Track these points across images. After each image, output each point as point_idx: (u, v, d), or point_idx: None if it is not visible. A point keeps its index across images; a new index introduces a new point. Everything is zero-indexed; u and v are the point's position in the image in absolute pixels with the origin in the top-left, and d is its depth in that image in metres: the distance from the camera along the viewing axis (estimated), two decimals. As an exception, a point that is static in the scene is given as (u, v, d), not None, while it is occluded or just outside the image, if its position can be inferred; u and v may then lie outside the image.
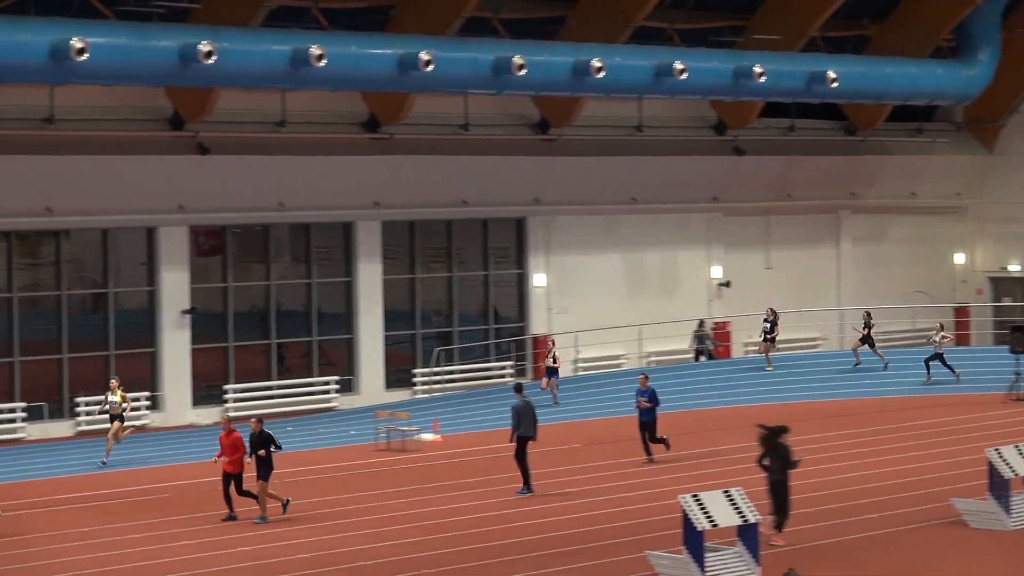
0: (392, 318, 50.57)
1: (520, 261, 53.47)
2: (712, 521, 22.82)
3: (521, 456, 33.53)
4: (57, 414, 43.27)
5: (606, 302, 54.20)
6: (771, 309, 53.20)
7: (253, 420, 31.61)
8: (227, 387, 46.33)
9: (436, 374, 50.10)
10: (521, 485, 33.58)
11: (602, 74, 44.02)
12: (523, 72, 41.97)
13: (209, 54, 37.71)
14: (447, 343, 50.80)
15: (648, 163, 52.47)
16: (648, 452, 37.26)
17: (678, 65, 44.22)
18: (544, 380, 47.42)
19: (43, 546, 29.77)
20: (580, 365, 52.34)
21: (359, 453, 41.00)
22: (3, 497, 34.78)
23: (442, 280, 52.50)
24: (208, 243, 47.64)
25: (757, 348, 53.49)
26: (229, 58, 38.83)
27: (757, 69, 45.78)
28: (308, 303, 49.12)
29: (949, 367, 49.60)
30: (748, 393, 49.92)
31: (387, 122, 48.54)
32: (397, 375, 49.74)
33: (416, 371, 50.68)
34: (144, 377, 45.57)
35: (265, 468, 30.85)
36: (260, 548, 29.31)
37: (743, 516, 23.24)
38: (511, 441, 33.87)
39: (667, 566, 23.08)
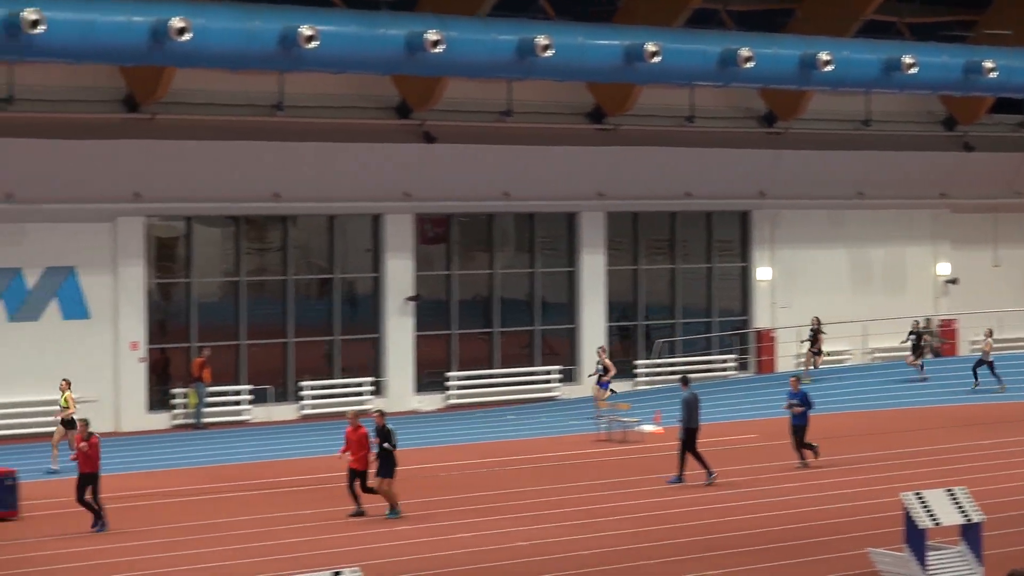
0: (614, 309, 50.65)
1: (744, 254, 53.58)
2: (935, 520, 22.02)
3: (692, 447, 33.54)
4: (282, 397, 44.50)
5: (830, 297, 53.82)
6: (816, 318, 50.92)
7: (376, 413, 31.69)
8: (449, 374, 47.25)
9: (658, 365, 50.00)
10: (676, 474, 33.44)
11: (830, 68, 42.39)
12: (750, 65, 40.69)
13: (436, 43, 37.34)
14: (670, 335, 50.23)
15: (875, 158, 52.38)
16: (801, 456, 36.36)
17: (907, 59, 42.93)
18: (596, 390, 44.22)
19: (265, 527, 30.34)
20: (801, 360, 50.94)
21: (579, 443, 40.83)
22: (228, 478, 36.21)
23: (665, 272, 52.46)
24: (433, 231, 48.41)
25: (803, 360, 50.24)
26: (456, 47, 38.11)
27: (988, 64, 44.36)
28: (531, 292, 49.64)
29: (996, 375, 47.08)
30: (961, 393, 48.64)
31: (612, 113, 49.01)
32: (618, 366, 47.42)
33: (638, 362, 50.42)
34: (368, 363, 46.73)
35: (386, 465, 30.93)
36: (475, 536, 29.10)
37: (966, 515, 22.37)
38: (681, 436, 33.80)
39: (889, 563, 22.55)
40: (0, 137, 41.11)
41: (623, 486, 34.48)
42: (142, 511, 32.94)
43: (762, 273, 53.13)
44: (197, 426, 44.15)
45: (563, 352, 50.58)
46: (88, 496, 29.60)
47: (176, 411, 44.26)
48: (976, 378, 48.08)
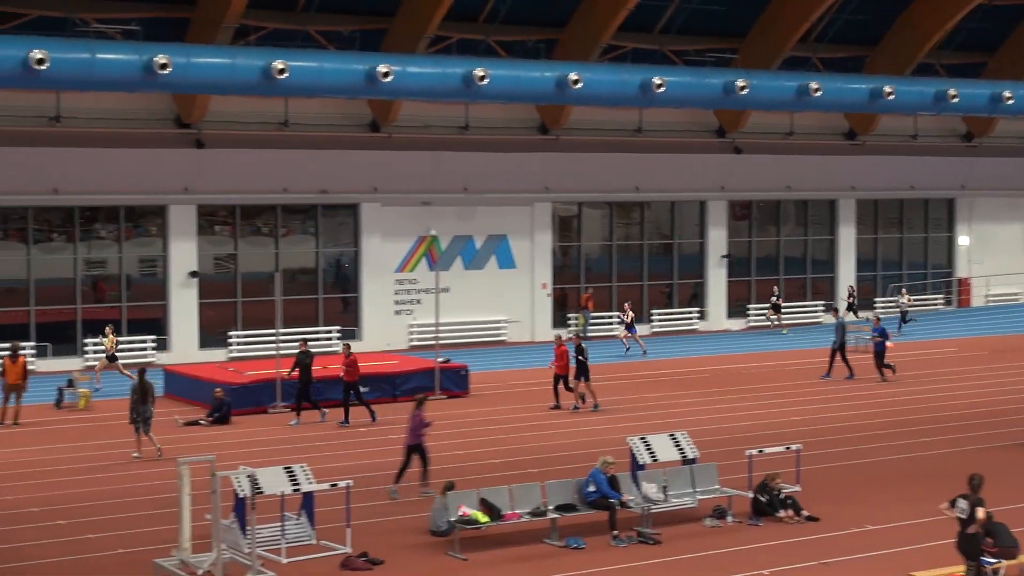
0: (862, 265, 60.49)
1: (950, 227, 63.29)
2: None
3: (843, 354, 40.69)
4: (638, 321, 50.06)
5: (1008, 257, 63.52)
6: (850, 286, 57.29)
7: (574, 336, 36.38)
8: (749, 307, 57.01)
9: (891, 302, 57.92)
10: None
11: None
12: (955, 100, 44.75)
13: (743, 88, 42.35)
14: (899, 282, 59.45)
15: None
16: (881, 375, 40.73)
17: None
18: (624, 333, 48.30)
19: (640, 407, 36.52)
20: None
21: (801, 354, 46.89)
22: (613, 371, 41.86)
23: (895, 240, 62.00)
24: (741, 211, 57.76)
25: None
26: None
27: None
28: (804, 253, 59.64)
29: None
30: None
31: (862, 132, 57.49)
32: (862, 303, 57.59)
33: (877, 299, 59.17)
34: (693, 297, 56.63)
35: (583, 371, 35.42)
36: (751, 411, 35.68)
37: None
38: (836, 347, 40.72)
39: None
40: (459, 151, 49.55)
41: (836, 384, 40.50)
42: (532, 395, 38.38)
43: (962, 240, 62.71)
44: (585, 338, 46.75)
45: (824, 291, 59.64)
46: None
47: (571, 328, 51.51)
48: None
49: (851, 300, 56.40)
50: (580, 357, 35.54)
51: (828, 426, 33.45)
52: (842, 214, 59.75)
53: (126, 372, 37.01)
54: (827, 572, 21.04)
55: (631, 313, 48.41)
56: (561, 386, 36.09)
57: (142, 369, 31.98)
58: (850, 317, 52.04)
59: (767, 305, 55.58)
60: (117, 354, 40.33)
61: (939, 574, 19.96)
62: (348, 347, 35.00)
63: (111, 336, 40.17)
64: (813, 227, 60.39)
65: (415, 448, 26.43)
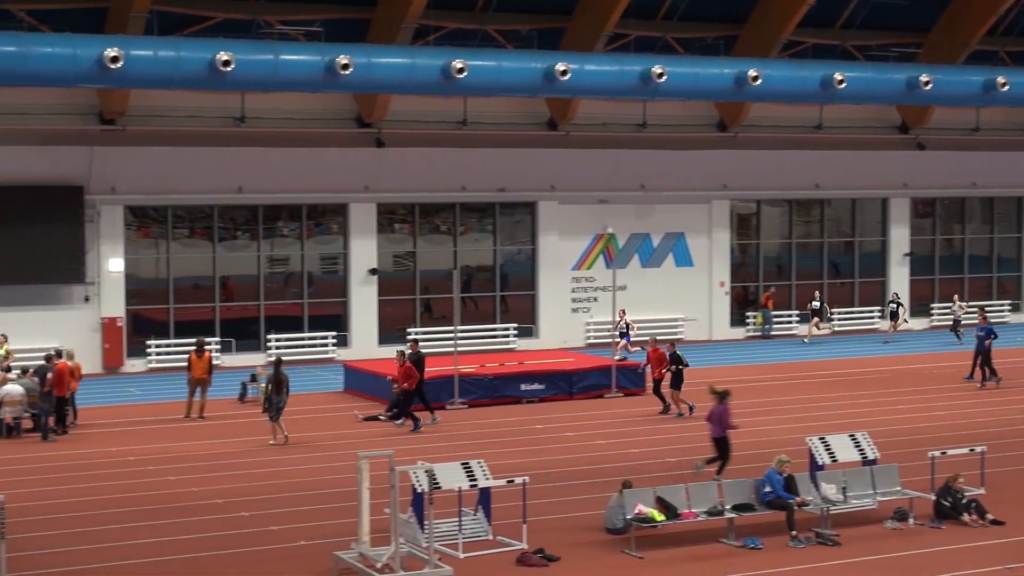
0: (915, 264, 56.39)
1: (1019, 227, 59.40)
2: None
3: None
4: (806, 318, 51.53)
5: None
6: (895, 294, 53.07)
7: (669, 344, 34.91)
8: (932, 306, 56.04)
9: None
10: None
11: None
12: None
13: (927, 83, 42.76)
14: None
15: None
16: (983, 375, 39.38)
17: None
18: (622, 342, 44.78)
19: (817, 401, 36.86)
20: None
21: (913, 359, 46.35)
22: (788, 370, 42.82)
23: (956, 241, 58.49)
24: (924, 209, 56.82)
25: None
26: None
27: None
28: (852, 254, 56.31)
29: None
30: None
31: (915, 125, 54.30)
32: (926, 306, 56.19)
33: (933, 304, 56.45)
34: (876, 296, 55.47)
35: (677, 380, 34.32)
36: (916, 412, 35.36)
37: None
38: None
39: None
40: (551, 147, 48.79)
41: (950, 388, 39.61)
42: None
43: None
44: (765, 337, 51.84)
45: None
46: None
47: (749, 327, 52.77)
48: None
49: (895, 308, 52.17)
50: (677, 366, 34.64)
51: (1010, 428, 32.69)
52: (893, 215, 56.62)
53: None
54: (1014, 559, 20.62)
55: (629, 322, 46.74)
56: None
57: (278, 360, 32.83)
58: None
59: (808, 311, 52.08)
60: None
61: None
62: (402, 355, 34.26)
63: None
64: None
65: (720, 441, 26.89)
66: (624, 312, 46.33)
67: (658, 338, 37.96)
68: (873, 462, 24.59)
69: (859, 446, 24.70)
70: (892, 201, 55.45)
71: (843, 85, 41.58)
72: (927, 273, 56.81)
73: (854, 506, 23.62)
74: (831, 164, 53.26)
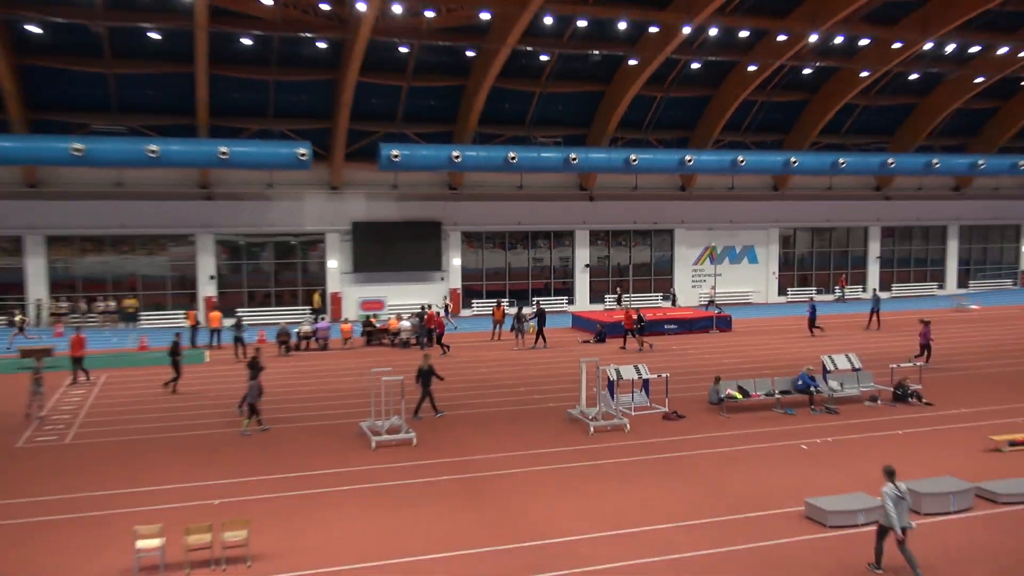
0: None
1: None
2: None
3: None
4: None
5: None
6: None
7: (633, 310, 31.41)
8: None
9: None
10: None
11: None
12: None
13: (891, 163, 40.45)
14: None
15: None
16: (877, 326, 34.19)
17: None
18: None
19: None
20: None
21: None
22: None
23: None
24: (887, 232, 50.09)
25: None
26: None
27: None
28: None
29: None
30: None
31: None
32: None
33: None
34: (860, 280, 49.18)
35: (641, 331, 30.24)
36: None
37: None
38: None
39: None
40: (681, 200, 45.80)
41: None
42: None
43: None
44: (841, 301, 45.49)
45: (860, 279, 51.49)
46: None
47: (835, 294, 47.14)
48: None
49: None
50: (640, 323, 30.81)
51: (941, 354, 29.48)
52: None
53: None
54: (936, 424, 19.39)
55: (714, 292, 42.95)
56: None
57: (520, 305, 32.86)
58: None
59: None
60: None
61: (1013, 437, 18.08)
62: (428, 306, 32.22)
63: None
64: (930, 240, 52.08)
65: (925, 346, 25.93)
66: (714, 288, 44.45)
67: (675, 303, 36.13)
68: (859, 369, 23.64)
69: (850, 360, 23.71)
70: (870, 228, 51.06)
71: (844, 165, 39.85)
72: (886, 267, 52.08)
73: (847, 394, 22.73)
74: (836, 208, 49.53)
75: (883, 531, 12.17)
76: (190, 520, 13.86)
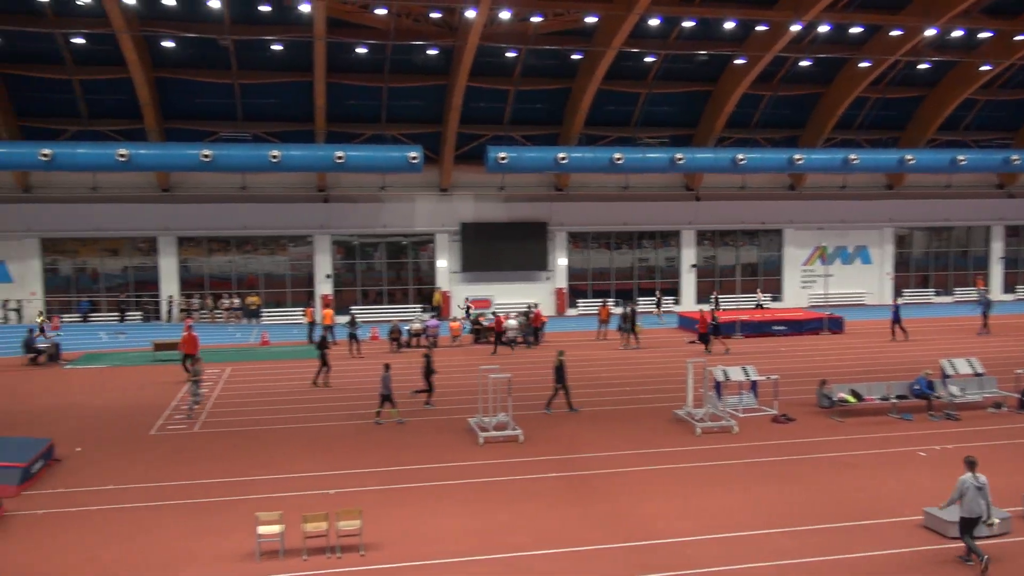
0: None
1: None
2: None
3: None
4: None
5: None
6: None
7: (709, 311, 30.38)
8: None
9: None
10: None
11: None
12: None
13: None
14: None
15: None
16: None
17: None
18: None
19: None
20: None
21: None
22: None
23: None
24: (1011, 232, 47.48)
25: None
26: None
27: None
28: None
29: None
30: None
31: None
32: None
33: None
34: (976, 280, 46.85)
35: (716, 331, 29.86)
36: None
37: None
38: None
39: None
40: (790, 200, 44.13)
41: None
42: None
43: None
44: (980, 303, 35.75)
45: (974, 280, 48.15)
46: None
47: (974, 296, 43.00)
48: None
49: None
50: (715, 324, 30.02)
51: None
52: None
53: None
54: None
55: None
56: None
57: (628, 303, 32.51)
58: None
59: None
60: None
61: None
62: (534, 305, 31.92)
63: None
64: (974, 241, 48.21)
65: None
66: (760, 291, 43.28)
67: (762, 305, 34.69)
68: (981, 374, 22.55)
69: (972, 364, 22.65)
70: (993, 228, 48.33)
71: (964, 162, 37.76)
72: (1011, 267, 49.21)
73: (968, 399, 21.71)
74: (955, 207, 47.23)
75: (966, 523, 12.07)
76: (308, 508, 14.17)
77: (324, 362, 23.81)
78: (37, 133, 36.18)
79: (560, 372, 20.40)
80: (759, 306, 41.88)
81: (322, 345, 23.90)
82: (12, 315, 37.09)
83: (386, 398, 19.63)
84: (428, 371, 20.98)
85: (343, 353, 30.13)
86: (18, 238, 37.82)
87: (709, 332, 29.94)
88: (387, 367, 20.28)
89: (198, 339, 25.18)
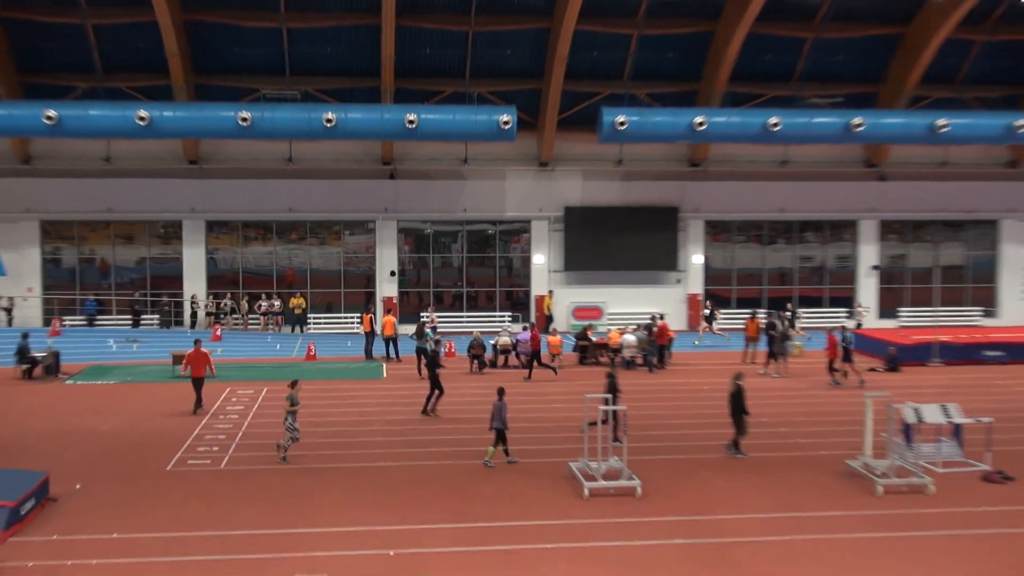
0: None
1: None
2: None
3: None
4: None
5: None
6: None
7: (840, 328, 30.08)
8: None
9: None
10: None
11: None
12: None
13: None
14: None
15: None
16: None
17: None
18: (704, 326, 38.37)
19: None
20: None
21: None
22: None
23: None
24: None
25: None
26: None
27: None
28: None
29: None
30: None
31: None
32: None
33: None
34: None
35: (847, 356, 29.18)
36: None
37: None
38: None
39: None
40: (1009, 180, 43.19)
41: None
42: None
43: None
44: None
45: None
46: None
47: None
48: None
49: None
50: (845, 345, 29.82)
51: None
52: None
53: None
54: None
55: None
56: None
57: (773, 320, 32.40)
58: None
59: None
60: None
61: None
62: (532, 326, 32.07)
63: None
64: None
65: None
66: (859, 303, 43.01)
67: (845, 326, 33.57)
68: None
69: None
70: None
71: None
72: None
73: None
74: None
75: None
76: (360, 571, 14.21)
77: (436, 384, 24.12)
78: (40, 91, 37.52)
79: (738, 401, 20.40)
80: (859, 325, 41.20)
81: (433, 363, 24.34)
82: (2, 315, 38.74)
83: (500, 433, 19.82)
84: (612, 390, 20.98)
85: (410, 373, 30.42)
86: (13, 220, 39.68)
87: (841, 356, 29.62)
88: (501, 392, 20.38)
89: (208, 356, 25.13)
